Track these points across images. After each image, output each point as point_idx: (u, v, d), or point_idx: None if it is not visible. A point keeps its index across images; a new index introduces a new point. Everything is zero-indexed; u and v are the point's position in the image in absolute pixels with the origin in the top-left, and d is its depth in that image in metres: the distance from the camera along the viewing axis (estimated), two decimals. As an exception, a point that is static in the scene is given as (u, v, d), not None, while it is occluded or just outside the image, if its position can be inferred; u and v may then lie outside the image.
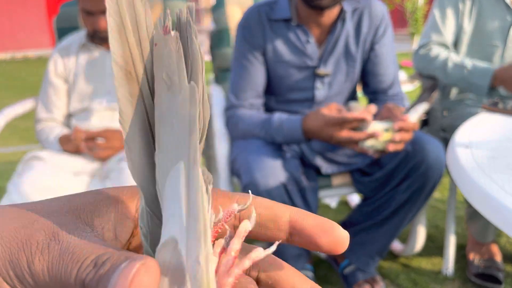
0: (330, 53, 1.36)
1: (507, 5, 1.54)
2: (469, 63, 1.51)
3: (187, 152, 0.16)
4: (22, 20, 10.84)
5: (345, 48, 1.37)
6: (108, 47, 1.61)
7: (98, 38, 1.54)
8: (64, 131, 1.54)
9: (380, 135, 1.12)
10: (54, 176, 1.35)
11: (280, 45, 1.36)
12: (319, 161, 1.40)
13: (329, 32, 1.36)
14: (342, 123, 1.14)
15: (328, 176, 1.42)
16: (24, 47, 10.85)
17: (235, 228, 0.21)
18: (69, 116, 1.65)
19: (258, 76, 1.38)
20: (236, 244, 0.19)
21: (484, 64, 1.51)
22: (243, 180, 1.22)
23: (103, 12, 1.47)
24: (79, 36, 1.63)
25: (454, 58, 1.55)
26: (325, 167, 1.41)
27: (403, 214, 1.32)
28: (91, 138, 1.43)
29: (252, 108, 1.41)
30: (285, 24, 1.35)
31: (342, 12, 1.34)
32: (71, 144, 1.46)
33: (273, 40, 1.36)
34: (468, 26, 1.61)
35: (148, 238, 0.19)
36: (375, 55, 1.39)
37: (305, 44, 1.35)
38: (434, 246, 1.70)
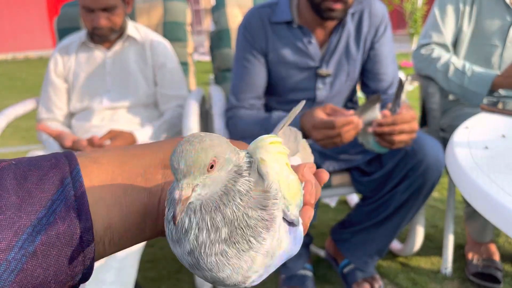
0: (331, 54, 1.37)
1: (507, 5, 1.55)
2: (469, 70, 1.51)
3: None
4: (23, 21, 10.84)
5: (346, 48, 1.38)
6: (107, 46, 1.62)
7: (97, 36, 1.55)
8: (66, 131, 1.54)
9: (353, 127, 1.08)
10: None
11: (282, 47, 1.36)
12: (319, 160, 1.40)
13: (330, 33, 1.37)
14: (328, 126, 1.10)
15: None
16: (25, 48, 10.85)
17: None
18: (70, 116, 1.65)
19: (258, 77, 1.39)
20: None
21: (484, 70, 1.51)
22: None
23: (102, 9, 1.48)
24: (79, 35, 1.64)
25: (456, 63, 1.55)
26: (325, 164, 1.41)
27: (402, 214, 1.32)
28: (98, 144, 1.36)
29: (253, 108, 1.41)
30: (287, 26, 1.36)
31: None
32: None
33: (275, 42, 1.36)
34: (468, 26, 1.62)
35: None
36: (375, 54, 1.40)
37: (307, 45, 1.35)
38: (433, 246, 1.71)
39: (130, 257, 1.25)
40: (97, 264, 1.21)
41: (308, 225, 0.35)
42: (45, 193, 0.28)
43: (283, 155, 0.33)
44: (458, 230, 1.78)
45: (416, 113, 1.21)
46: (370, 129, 1.13)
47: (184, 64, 1.89)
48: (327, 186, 1.43)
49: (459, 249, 1.64)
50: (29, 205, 0.27)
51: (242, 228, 0.27)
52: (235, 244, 0.27)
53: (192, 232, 0.27)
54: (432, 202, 2.06)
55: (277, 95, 1.44)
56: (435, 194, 2.14)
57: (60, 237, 0.27)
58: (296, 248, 0.32)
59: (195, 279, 1.50)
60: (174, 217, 0.26)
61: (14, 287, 0.26)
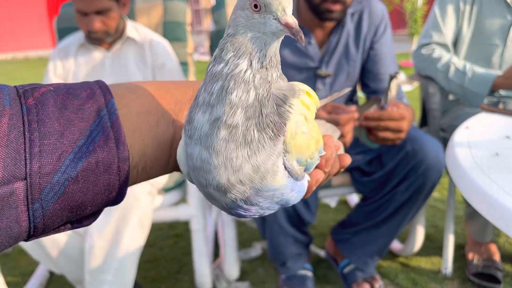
0: (331, 54, 1.37)
1: (507, 4, 1.55)
2: (470, 71, 1.51)
3: None
4: (23, 21, 10.84)
5: (345, 48, 1.38)
6: (107, 47, 1.62)
7: (93, 39, 1.54)
8: None
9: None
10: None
11: (282, 47, 1.36)
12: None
13: (330, 33, 1.37)
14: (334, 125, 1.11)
15: (328, 176, 1.42)
16: (25, 47, 10.84)
17: None
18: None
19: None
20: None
21: (485, 71, 1.51)
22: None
23: (96, 12, 1.47)
24: (78, 36, 1.64)
25: (456, 63, 1.55)
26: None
27: (402, 214, 1.32)
28: None
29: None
30: None
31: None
32: None
33: None
34: (468, 26, 1.62)
35: None
36: (375, 54, 1.39)
37: (306, 46, 1.35)
38: (433, 246, 1.71)
39: (129, 257, 1.25)
40: (96, 264, 1.21)
41: (313, 188, 0.35)
42: (83, 123, 0.29)
43: (305, 106, 0.32)
44: (458, 230, 1.78)
45: (412, 112, 1.21)
46: (356, 123, 1.13)
47: (184, 64, 1.89)
48: (327, 186, 1.43)
49: (459, 249, 1.64)
50: (70, 133, 0.29)
51: (257, 113, 0.28)
52: (246, 124, 0.28)
53: (235, 92, 0.28)
54: (432, 202, 2.06)
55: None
56: (435, 194, 2.14)
57: (100, 165, 0.29)
58: (292, 196, 0.32)
59: (195, 279, 1.50)
60: (301, 39, 0.27)
61: (55, 207, 0.28)
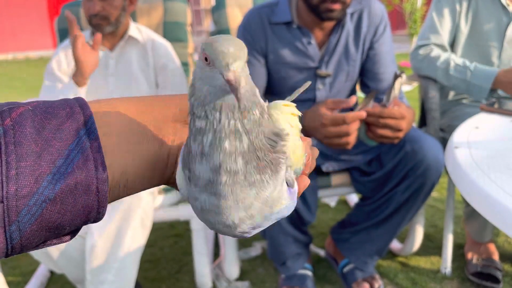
0: (331, 54, 1.37)
1: (503, 6, 1.55)
2: (471, 65, 1.52)
3: None
4: (24, 21, 10.84)
5: (345, 48, 1.38)
6: (110, 47, 1.62)
7: (93, 26, 1.54)
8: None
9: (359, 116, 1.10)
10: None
11: (282, 47, 1.36)
12: (320, 159, 1.41)
13: (330, 33, 1.37)
14: (338, 123, 1.12)
15: (328, 175, 1.43)
16: (25, 48, 10.85)
17: None
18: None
19: (258, 78, 1.39)
20: None
21: (486, 66, 1.52)
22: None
23: None
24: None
25: (455, 59, 1.55)
26: (326, 165, 1.42)
27: (402, 214, 1.33)
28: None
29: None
30: (286, 26, 1.36)
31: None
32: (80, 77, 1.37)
33: (275, 42, 1.36)
34: (464, 27, 1.62)
35: None
36: (374, 54, 1.40)
37: (306, 46, 1.35)
38: (433, 246, 1.71)
39: (130, 257, 1.25)
40: (97, 264, 1.22)
41: (301, 193, 0.36)
42: (62, 143, 0.29)
43: (295, 116, 0.33)
44: (457, 229, 1.78)
45: (412, 113, 1.21)
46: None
47: (184, 65, 1.90)
48: (327, 186, 1.43)
49: (459, 249, 1.65)
50: (48, 153, 0.28)
51: (253, 157, 0.28)
52: (246, 169, 0.28)
53: (227, 141, 0.27)
54: (431, 202, 2.07)
55: (276, 96, 1.44)
56: (434, 194, 2.14)
57: (78, 186, 0.29)
58: (290, 210, 0.33)
59: (195, 278, 1.51)
60: (239, 100, 0.25)
61: (33, 229, 0.28)
